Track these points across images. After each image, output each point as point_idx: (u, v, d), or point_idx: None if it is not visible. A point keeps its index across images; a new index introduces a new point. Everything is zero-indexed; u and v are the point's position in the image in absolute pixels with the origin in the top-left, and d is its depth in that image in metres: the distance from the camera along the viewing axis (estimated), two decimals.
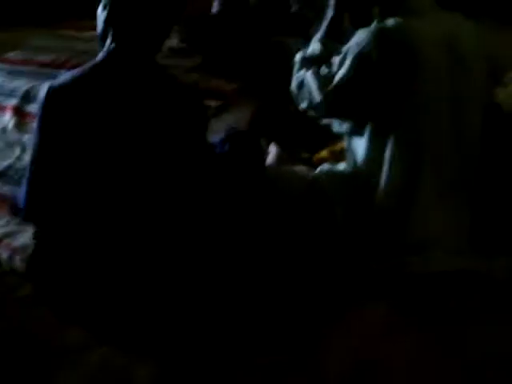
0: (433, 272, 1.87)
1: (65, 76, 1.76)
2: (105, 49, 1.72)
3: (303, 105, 2.02)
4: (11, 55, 4.04)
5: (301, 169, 2.25)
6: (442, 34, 1.84)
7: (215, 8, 3.63)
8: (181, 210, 1.76)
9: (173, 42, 3.70)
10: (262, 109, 2.90)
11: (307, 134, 2.59)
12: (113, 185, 1.70)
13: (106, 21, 1.71)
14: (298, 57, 2.08)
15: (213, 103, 3.12)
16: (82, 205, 1.72)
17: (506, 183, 2.03)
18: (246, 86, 3.30)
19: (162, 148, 1.71)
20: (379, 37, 1.80)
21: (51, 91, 1.71)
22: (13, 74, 3.73)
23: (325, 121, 2.06)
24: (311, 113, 2.04)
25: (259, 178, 2.08)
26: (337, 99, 1.90)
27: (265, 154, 2.61)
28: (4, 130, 3.15)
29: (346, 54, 1.86)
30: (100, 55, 1.73)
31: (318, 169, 2.15)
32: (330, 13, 2.04)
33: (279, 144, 2.64)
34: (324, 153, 2.47)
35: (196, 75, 3.46)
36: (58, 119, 1.70)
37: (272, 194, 2.05)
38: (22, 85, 3.56)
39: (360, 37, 1.83)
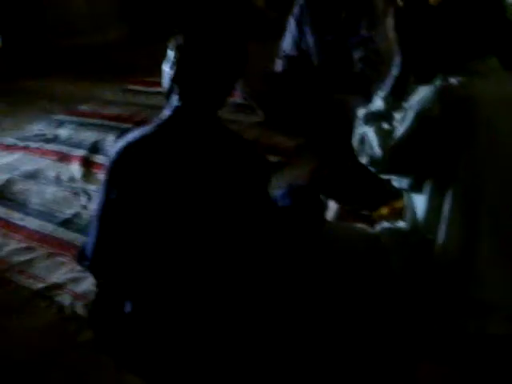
0: (492, 334, 1.83)
1: (134, 134, 1.79)
2: (171, 106, 1.76)
3: (364, 160, 2.03)
4: (82, 108, 4.21)
5: (360, 226, 2.24)
6: (506, 93, 1.83)
7: (279, 66, 3.71)
8: (245, 265, 1.77)
9: (237, 98, 3.82)
10: (322, 165, 2.93)
11: (367, 191, 2.60)
12: (177, 241, 1.72)
13: (173, 79, 1.74)
14: (360, 112, 2.10)
15: (273, 159, 3.21)
16: (145, 259, 1.75)
17: None
18: (307, 143, 3.36)
19: (227, 205, 1.72)
20: (442, 93, 1.80)
21: (122, 149, 1.75)
22: (82, 125, 3.90)
23: (385, 177, 2.06)
24: (371, 168, 2.04)
25: (320, 233, 2.08)
26: (397, 156, 1.90)
27: (325, 209, 2.65)
28: (71, 178, 3.27)
29: (407, 111, 1.87)
30: (166, 112, 1.77)
31: (378, 226, 2.14)
32: (395, 71, 2.06)
33: (338, 200, 2.66)
34: (384, 210, 2.47)
35: (258, 131, 3.57)
36: (128, 177, 1.73)
37: (332, 249, 2.05)
38: (90, 136, 3.73)
39: (422, 94, 1.84)
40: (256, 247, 1.79)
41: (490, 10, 1.89)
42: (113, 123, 3.88)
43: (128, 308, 1.75)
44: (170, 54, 1.75)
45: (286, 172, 3.12)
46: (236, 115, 3.75)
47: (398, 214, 2.25)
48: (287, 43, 3.69)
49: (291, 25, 3.66)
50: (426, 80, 1.98)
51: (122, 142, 1.78)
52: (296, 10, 3.62)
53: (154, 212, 1.72)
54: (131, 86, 4.59)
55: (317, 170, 2.93)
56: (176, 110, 1.74)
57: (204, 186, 1.71)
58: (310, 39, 3.59)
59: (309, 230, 2.05)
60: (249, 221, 1.76)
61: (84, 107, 4.23)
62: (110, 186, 1.76)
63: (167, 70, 1.77)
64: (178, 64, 1.72)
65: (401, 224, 2.08)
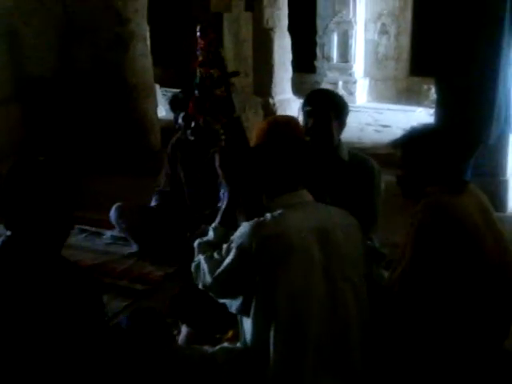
0: None
1: None
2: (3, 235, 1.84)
3: (200, 285, 2.20)
4: None
5: (203, 347, 2.38)
6: (313, 222, 2.07)
7: (153, 201, 3.95)
8: None
9: (113, 230, 4.00)
10: (182, 292, 3.08)
11: (219, 316, 2.75)
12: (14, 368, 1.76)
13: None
14: (196, 242, 2.29)
15: (139, 287, 3.44)
16: None
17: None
18: (175, 272, 3.56)
19: (55, 339, 1.77)
20: (256, 230, 2.02)
21: None
22: None
23: (221, 300, 2.22)
24: (209, 293, 2.21)
25: (160, 354, 2.21)
26: (222, 283, 2.10)
27: (173, 332, 2.79)
28: None
29: (231, 243, 2.07)
30: None
31: (217, 346, 2.28)
32: (223, 204, 2.29)
33: (192, 325, 2.80)
34: (230, 333, 2.62)
35: (131, 261, 3.77)
36: None
37: (171, 368, 2.18)
38: None
39: (242, 229, 2.07)
40: (87, 364, 1.86)
41: (302, 151, 2.16)
42: None
43: None
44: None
45: (153, 299, 3.28)
46: (110, 246, 3.95)
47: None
48: (162, 179, 3.96)
49: (165, 162, 3.93)
50: (254, 212, 2.21)
51: None
52: (169, 148, 3.91)
53: None
54: None
55: (177, 297, 3.08)
56: (4, 241, 1.83)
57: (31, 320, 1.75)
58: (181, 175, 3.86)
59: (145, 350, 2.16)
60: (84, 348, 1.83)
61: None
62: None
63: None
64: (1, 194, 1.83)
65: (238, 344, 2.23)
